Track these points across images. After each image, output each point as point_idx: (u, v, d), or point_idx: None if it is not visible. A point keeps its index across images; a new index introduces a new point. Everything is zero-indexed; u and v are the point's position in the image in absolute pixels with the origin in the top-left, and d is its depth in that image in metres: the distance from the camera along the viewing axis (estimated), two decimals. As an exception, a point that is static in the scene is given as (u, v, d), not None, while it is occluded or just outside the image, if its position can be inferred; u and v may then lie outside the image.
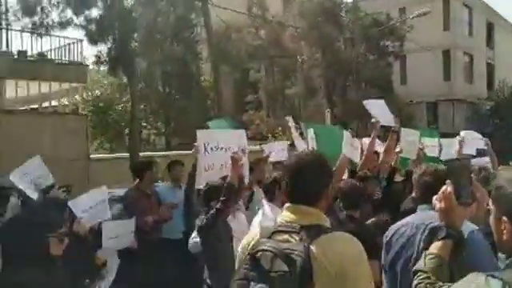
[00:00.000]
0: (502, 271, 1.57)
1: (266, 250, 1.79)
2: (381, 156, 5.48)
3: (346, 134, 5.03)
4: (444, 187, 1.90)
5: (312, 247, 1.78)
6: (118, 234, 3.92)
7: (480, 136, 6.77)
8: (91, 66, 13.92)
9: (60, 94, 14.66)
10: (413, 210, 2.77)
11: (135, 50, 10.38)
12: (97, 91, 23.93)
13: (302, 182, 1.95)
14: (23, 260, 2.57)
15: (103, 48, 10.80)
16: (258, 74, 27.78)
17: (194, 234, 4.30)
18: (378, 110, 5.72)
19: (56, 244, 2.70)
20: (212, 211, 3.65)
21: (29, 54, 13.00)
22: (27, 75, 12.62)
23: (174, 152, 13.82)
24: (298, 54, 23.93)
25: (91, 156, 13.63)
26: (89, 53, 31.30)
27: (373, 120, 5.53)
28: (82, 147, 13.14)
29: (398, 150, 5.23)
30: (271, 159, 6.17)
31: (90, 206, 3.79)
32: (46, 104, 14.25)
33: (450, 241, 1.83)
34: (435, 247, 1.84)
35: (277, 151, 6.29)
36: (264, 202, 3.91)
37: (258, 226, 2.02)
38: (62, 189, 4.98)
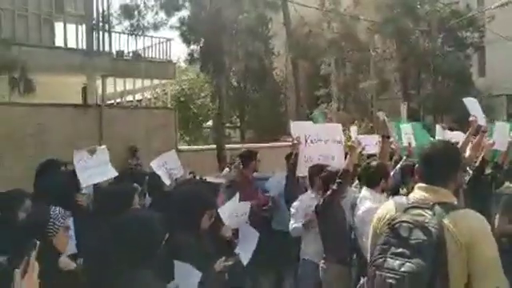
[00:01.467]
0: None
1: (405, 222, 2.17)
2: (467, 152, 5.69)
3: (438, 128, 5.43)
4: None
5: (444, 221, 2.12)
6: (237, 214, 4.25)
7: None
8: (182, 64, 14.87)
9: (151, 89, 15.91)
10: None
11: (223, 48, 11.16)
12: (177, 87, 25.29)
13: (435, 166, 2.35)
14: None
15: (195, 47, 11.71)
16: (330, 68, 27.99)
17: (293, 220, 4.94)
18: (474, 107, 5.93)
19: (207, 220, 3.31)
20: (329, 192, 4.28)
21: (125, 53, 14.31)
22: (124, 73, 13.89)
23: (259, 145, 14.54)
24: (372, 48, 23.94)
25: (179, 147, 14.68)
26: (176, 51, 32.82)
27: (470, 118, 5.55)
28: (170, 139, 14.19)
29: (491, 142, 5.45)
30: (365, 151, 6.49)
31: (236, 214, 4.18)
32: (138, 97, 15.52)
33: None
34: None
35: (370, 144, 6.71)
36: (364, 188, 4.46)
37: (393, 201, 2.48)
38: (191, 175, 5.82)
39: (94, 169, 4.33)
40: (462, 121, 20.50)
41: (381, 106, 24.82)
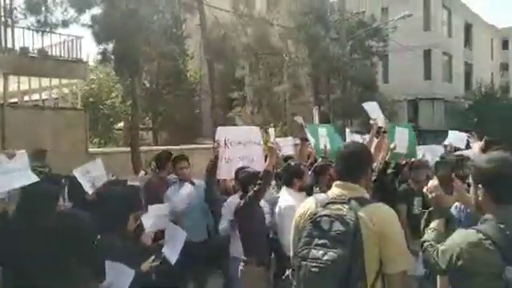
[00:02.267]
0: (479, 225, 2.27)
1: (325, 215, 2.40)
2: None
3: (348, 131, 5.72)
4: (431, 181, 2.77)
5: (360, 213, 2.38)
6: (157, 215, 4.19)
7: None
8: (92, 63, 14.28)
9: (59, 88, 15.09)
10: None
11: (137, 48, 10.85)
12: (86, 86, 24.22)
13: (350, 165, 2.60)
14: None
15: (107, 46, 11.25)
16: (244, 71, 28.30)
17: (222, 219, 4.95)
18: (374, 111, 6.31)
19: (132, 222, 3.31)
20: (250, 193, 4.32)
21: (30, 50, 13.41)
22: (29, 71, 13.04)
23: (175, 147, 14.32)
24: (285, 53, 24.57)
25: (90, 150, 14.09)
26: (88, 50, 31.34)
27: (371, 121, 5.98)
28: (80, 141, 13.58)
29: (392, 146, 5.81)
30: (282, 153, 6.61)
31: (156, 216, 4.09)
32: (45, 97, 14.66)
33: (443, 219, 2.66)
34: (434, 224, 2.65)
35: (286, 146, 6.88)
36: (283, 187, 4.64)
37: (293, 200, 2.68)
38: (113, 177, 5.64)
39: (13, 173, 4.05)
40: (369, 124, 21.79)
41: (294, 109, 25.59)
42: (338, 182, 2.60)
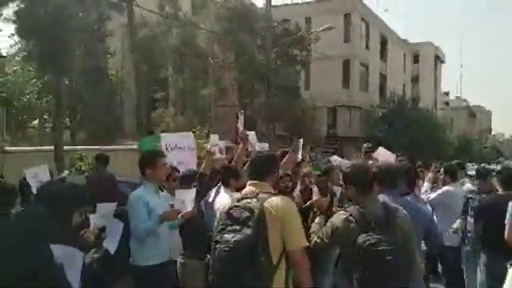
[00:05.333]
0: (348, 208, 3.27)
1: (237, 207, 3.00)
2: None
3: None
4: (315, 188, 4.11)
5: (265, 204, 2.95)
6: (104, 216, 4.39)
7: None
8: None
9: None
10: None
11: (59, 44, 10.40)
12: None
13: (259, 168, 3.26)
14: None
15: (26, 41, 10.70)
16: (168, 72, 28.03)
17: None
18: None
19: (77, 217, 3.31)
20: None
21: None
22: None
23: (96, 147, 13.89)
24: (210, 56, 24.68)
25: (7, 149, 13.30)
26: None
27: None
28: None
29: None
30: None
31: (102, 216, 4.13)
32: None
33: (323, 216, 3.61)
34: (317, 219, 3.64)
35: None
36: (222, 187, 4.94)
37: (229, 198, 3.19)
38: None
39: None
40: (293, 129, 22.42)
41: (218, 112, 25.78)
42: (250, 181, 3.23)
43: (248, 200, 3.00)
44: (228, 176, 4.94)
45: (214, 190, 4.96)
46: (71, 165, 11.64)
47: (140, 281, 3.88)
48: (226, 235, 2.89)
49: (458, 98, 76.42)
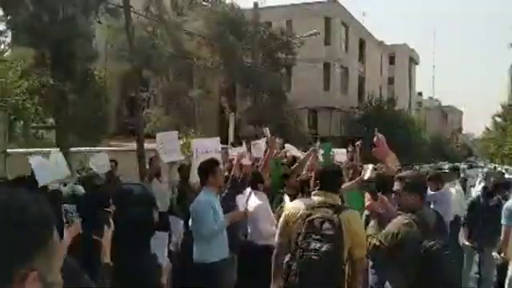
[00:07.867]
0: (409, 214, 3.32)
1: (318, 217, 3.32)
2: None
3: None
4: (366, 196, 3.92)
5: (340, 216, 3.33)
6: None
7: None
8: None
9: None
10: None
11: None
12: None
13: (329, 179, 3.59)
14: None
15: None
16: (150, 72, 28.22)
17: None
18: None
19: None
20: (222, 194, 5.19)
21: None
22: None
23: (83, 148, 13.95)
24: (196, 57, 25.06)
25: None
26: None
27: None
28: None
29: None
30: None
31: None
32: None
33: (376, 219, 3.57)
34: (372, 223, 3.59)
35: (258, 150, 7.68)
36: (249, 189, 5.53)
37: (301, 201, 3.61)
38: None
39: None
40: (281, 130, 23.05)
41: (204, 113, 26.20)
42: (317, 191, 3.55)
43: (326, 209, 3.35)
44: (257, 180, 5.53)
45: (246, 193, 5.52)
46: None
47: (206, 275, 4.44)
48: (313, 244, 3.23)
49: (430, 98, 78.57)
